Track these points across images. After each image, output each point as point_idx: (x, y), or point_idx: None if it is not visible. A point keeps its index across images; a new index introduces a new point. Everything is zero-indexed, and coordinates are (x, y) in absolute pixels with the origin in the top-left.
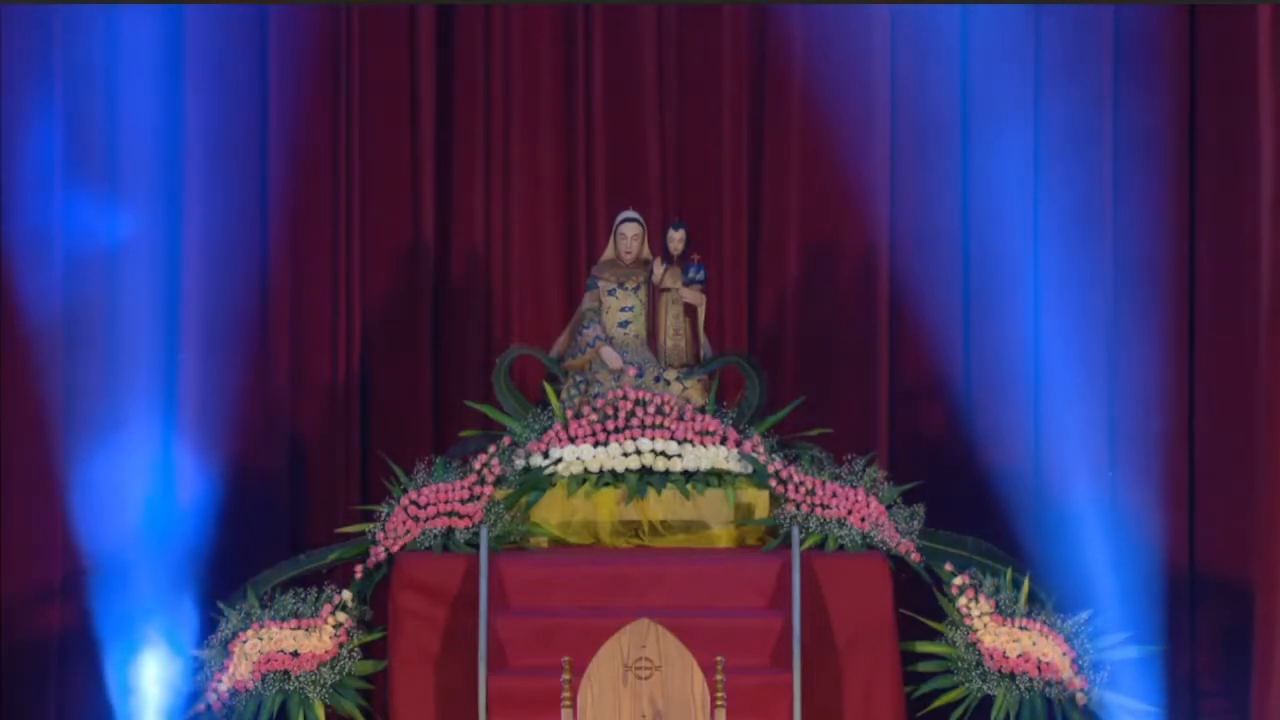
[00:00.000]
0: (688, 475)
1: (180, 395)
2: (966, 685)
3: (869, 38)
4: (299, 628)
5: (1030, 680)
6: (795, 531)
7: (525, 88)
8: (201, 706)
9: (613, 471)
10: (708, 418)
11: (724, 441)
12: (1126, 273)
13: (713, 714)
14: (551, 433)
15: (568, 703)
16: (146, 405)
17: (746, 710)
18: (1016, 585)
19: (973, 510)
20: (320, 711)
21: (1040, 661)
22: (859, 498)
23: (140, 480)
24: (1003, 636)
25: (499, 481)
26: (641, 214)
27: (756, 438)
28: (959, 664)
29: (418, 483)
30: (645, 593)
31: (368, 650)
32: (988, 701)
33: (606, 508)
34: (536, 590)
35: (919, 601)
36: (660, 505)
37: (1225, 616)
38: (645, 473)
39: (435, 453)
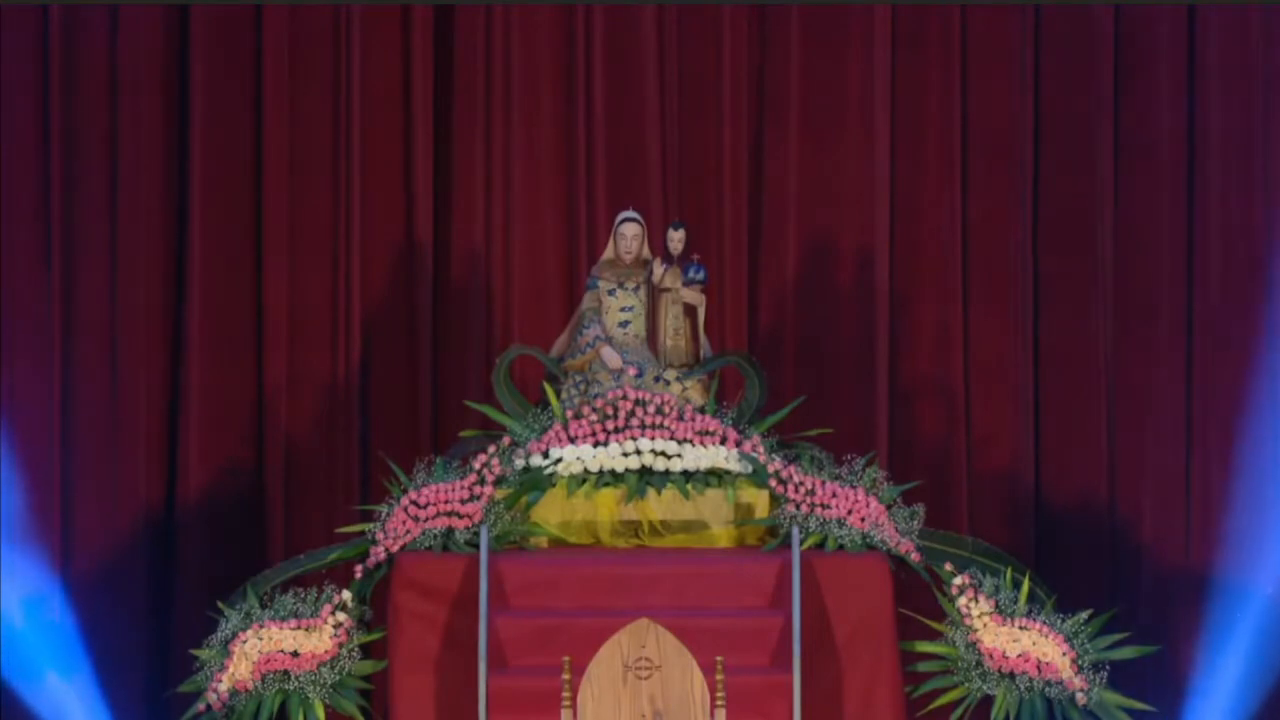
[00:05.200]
0: (687, 475)
1: (181, 395)
2: (966, 685)
3: (869, 37)
4: (299, 628)
5: (1030, 680)
6: (795, 531)
7: (525, 88)
8: (201, 707)
9: (613, 471)
10: (708, 418)
11: (724, 441)
12: (1126, 272)
13: (713, 714)
14: (551, 433)
15: (568, 703)
16: (147, 405)
17: (746, 710)
18: (1016, 585)
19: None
20: (320, 711)
21: (1040, 661)
22: (859, 498)
23: (140, 480)
24: (1002, 636)
25: (499, 481)
26: (641, 214)
27: (756, 438)
28: (959, 664)
29: (418, 483)
30: (645, 593)
31: (368, 650)
32: (988, 701)
33: (606, 508)
34: (536, 590)
35: (919, 601)
36: (660, 505)
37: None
38: (645, 473)
39: (435, 453)
